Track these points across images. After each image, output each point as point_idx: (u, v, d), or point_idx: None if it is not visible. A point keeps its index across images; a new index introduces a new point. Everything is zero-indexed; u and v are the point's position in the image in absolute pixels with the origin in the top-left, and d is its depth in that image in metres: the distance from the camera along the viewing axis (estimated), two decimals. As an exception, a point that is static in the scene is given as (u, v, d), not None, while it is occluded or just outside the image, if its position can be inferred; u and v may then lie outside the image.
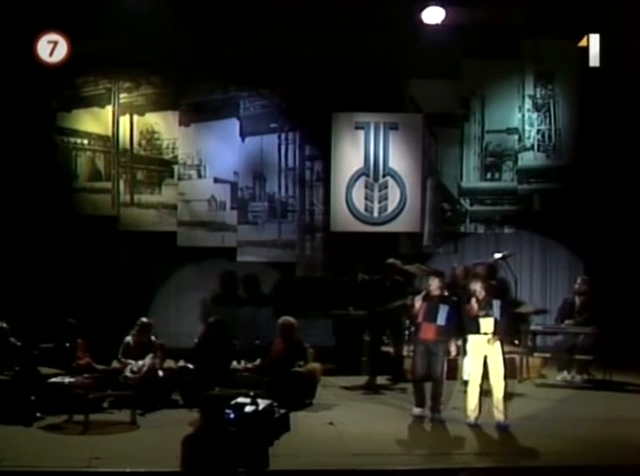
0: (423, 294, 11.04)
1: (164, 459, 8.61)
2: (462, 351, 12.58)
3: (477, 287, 10.72)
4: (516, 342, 12.91)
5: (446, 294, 11.03)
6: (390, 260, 13.34)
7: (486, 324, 10.62)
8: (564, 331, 13.21)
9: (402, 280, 13.23)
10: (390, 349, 13.27)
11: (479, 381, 10.68)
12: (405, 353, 13.17)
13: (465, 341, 11.33)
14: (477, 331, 10.65)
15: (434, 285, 10.94)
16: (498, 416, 10.58)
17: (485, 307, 10.63)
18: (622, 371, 12.92)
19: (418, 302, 10.91)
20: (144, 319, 11.72)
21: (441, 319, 10.80)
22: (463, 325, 10.91)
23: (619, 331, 13.13)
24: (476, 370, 10.70)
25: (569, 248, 14.85)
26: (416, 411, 11.00)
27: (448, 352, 10.93)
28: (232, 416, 7.47)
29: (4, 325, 11.33)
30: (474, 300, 10.66)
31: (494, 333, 10.60)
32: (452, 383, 12.21)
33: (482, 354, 10.64)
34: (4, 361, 11.03)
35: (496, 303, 10.71)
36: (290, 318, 11.84)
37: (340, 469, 9.15)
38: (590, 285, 13.36)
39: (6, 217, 13.71)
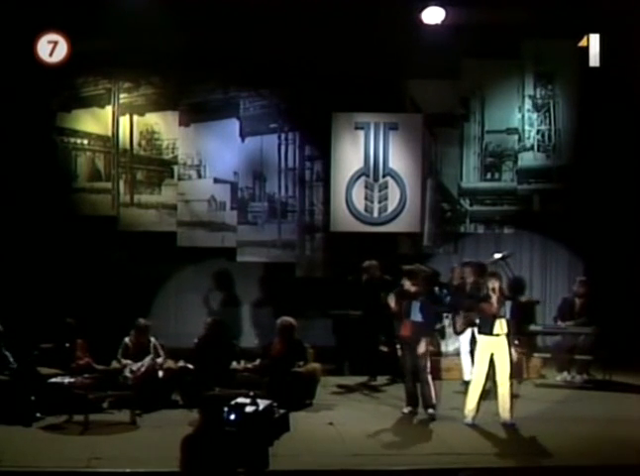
0: (395, 291, 11.18)
1: (164, 459, 8.62)
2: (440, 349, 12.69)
3: (495, 286, 10.73)
4: (516, 342, 12.89)
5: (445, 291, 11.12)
6: (366, 263, 13.31)
7: (500, 325, 10.64)
8: (564, 331, 13.21)
9: (391, 279, 13.21)
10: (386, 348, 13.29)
11: (483, 381, 10.70)
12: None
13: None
14: (489, 332, 10.67)
15: (406, 282, 11.11)
16: (504, 415, 10.62)
17: (501, 308, 10.66)
18: (622, 371, 12.91)
19: (392, 301, 11.08)
20: (141, 321, 11.72)
21: (414, 315, 10.96)
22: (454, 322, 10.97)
23: (619, 331, 13.12)
24: (481, 370, 10.71)
25: (569, 248, 14.84)
26: (405, 409, 11.13)
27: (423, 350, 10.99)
28: (232, 416, 7.48)
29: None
30: (494, 300, 10.67)
31: (507, 334, 10.62)
32: (446, 383, 12.26)
33: (490, 354, 10.65)
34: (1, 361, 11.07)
35: (507, 304, 10.73)
36: (289, 319, 11.84)
37: (340, 469, 9.15)
38: (588, 286, 13.37)
39: (6, 217, 13.71)
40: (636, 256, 14.29)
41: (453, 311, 12.62)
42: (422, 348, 10.99)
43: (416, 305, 11.01)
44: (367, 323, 13.09)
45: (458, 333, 12.50)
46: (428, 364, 11.06)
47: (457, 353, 13.01)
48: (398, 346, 11.67)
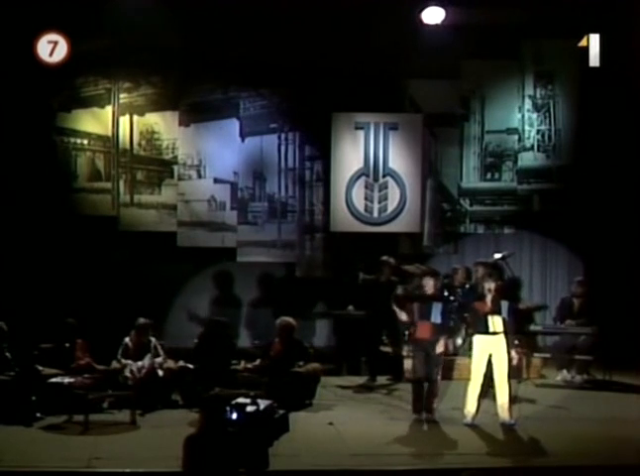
0: (404, 288, 11.13)
1: (164, 459, 8.63)
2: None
3: (490, 286, 10.71)
4: (516, 342, 12.87)
5: (445, 293, 11.02)
6: (384, 257, 13.33)
7: (496, 324, 10.62)
8: (564, 331, 13.21)
9: (397, 280, 13.22)
10: (389, 349, 13.27)
11: (480, 380, 10.67)
12: (405, 353, 13.17)
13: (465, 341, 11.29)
14: (485, 331, 10.65)
15: (428, 284, 10.94)
16: (503, 415, 10.60)
17: (496, 307, 10.64)
18: (622, 371, 12.92)
19: (399, 291, 10.99)
20: (141, 320, 11.70)
21: (435, 317, 10.81)
22: (466, 322, 10.88)
23: (619, 331, 13.13)
24: (479, 369, 10.68)
25: (569, 248, 14.84)
26: (416, 416, 10.84)
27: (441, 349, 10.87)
28: (234, 416, 7.48)
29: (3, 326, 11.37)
30: (488, 299, 10.66)
31: (504, 333, 10.60)
32: (447, 383, 12.25)
33: (487, 353, 10.64)
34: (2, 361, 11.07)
35: (505, 304, 10.71)
36: (289, 319, 11.84)
37: (340, 469, 9.15)
38: (587, 286, 13.37)
39: (6, 217, 13.71)
40: (636, 256, 14.29)
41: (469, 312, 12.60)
42: (441, 348, 10.82)
43: (437, 307, 10.80)
44: (367, 323, 13.09)
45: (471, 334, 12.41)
46: (440, 366, 10.93)
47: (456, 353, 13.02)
48: (410, 349, 11.46)
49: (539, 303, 14.18)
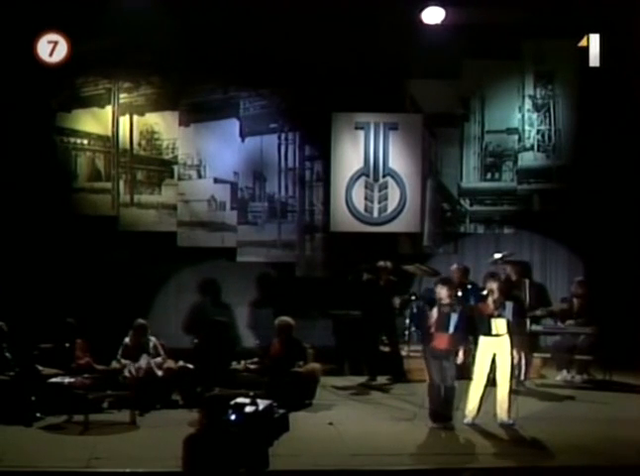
0: (436, 305, 10.66)
1: (164, 459, 8.64)
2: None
3: (493, 286, 10.68)
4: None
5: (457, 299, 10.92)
6: (381, 263, 13.30)
7: (499, 325, 10.60)
8: (564, 331, 13.22)
9: (396, 279, 13.23)
10: (389, 349, 13.27)
11: (483, 381, 10.64)
12: (404, 353, 13.19)
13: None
14: (488, 332, 10.62)
15: (444, 293, 10.60)
16: (502, 415, 10.58)
17: (499, 308, 10.62)
18: (622, 371, 12.92)
19: (435, 315, 10.58)
20: (139, 321, 11.70)
21: (452, 328, 10.53)
22: (473, 328, 10.79)
23: (619, 331, 13.12)
24: (482, 370, 10.65)
25: (569, 248, 14.84)
26: (434, 425, 10.56)
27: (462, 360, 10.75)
28: (234, 416, 7.48)
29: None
30: (490, 300, 10.64)
31: (507, 334, 10.58)
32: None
33: (491, 354, 10.61)
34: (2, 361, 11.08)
35: (509, 305, 10.67)
36: (287, 318, 11.84)
37: (340, 469, 9.14)
38: (587, 286, 13.37)
39: (6, 217, 13.71)
40: (636, 256, 14.29)
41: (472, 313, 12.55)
42: (461, 359, 10.58)
43: (454, 317, 10.50)
44: (367, 323, 13.09)
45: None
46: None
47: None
48: (411, 348, 11.26)
49: (563, 306, 13.94)
